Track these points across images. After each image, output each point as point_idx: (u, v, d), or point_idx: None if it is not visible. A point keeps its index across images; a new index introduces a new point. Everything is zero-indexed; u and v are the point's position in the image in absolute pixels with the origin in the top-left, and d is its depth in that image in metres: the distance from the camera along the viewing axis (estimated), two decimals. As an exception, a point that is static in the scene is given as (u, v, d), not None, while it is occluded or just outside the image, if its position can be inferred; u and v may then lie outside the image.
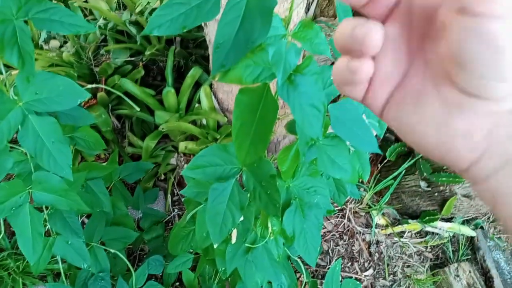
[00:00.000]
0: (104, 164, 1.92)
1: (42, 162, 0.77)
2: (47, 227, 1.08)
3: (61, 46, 2.03)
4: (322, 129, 0.69)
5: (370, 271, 2.03)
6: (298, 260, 1.28)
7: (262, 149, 0.60)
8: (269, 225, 0.88)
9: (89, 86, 0.81)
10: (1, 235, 1.03)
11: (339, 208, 2.14)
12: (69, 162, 0.77)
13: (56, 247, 1.12)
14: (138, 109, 0.96)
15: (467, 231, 2.08)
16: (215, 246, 0.75)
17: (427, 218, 2.03)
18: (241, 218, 0.75)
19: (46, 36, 2.04)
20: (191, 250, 1.33)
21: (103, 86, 0.90)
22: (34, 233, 0.96)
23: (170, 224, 1.94)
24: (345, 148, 0.92)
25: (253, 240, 0.97)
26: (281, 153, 0.80)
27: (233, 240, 0.85)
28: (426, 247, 2.11)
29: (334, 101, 1.41)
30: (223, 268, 1.06)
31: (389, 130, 2.49)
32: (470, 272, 1.91)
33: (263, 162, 0.74)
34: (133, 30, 2.04)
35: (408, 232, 2.11)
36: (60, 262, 1.19)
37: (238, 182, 0.74)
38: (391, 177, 2.06)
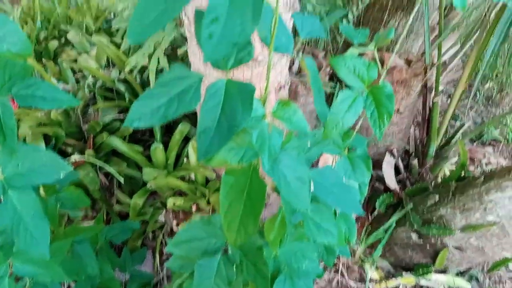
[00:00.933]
0: (92, 222, 1.87)
1: (18, 238, 0.74)
2: (29, 297, 1.04)
3: (50, 105, 2.04)
4: (309, 201, 0.69)
5: (366, 329, 1.96)
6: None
7: (252, 229, 0.59)
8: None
9: (74, 157, 0.81)
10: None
11: (332, 261, 2.09)
12: (47, 239, 0.75)
13: (38, 320, 1.07)
14: (122, 179, 0.95)
15: (462, 283, 2.04)
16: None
17: (420, 270, 1.99)
18: (228, 294, 0.73)
19: (35, 95, 2.06)
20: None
21: (87, 157, 0.89)
22: (12, 309, 0.92)
23: (159, 286, 1.87)
24: (330, 211, 0.92)
25: (241, 310, 0.93)
26: (267, 223, 0.79)
27: (222, 319, 0.81)
28: (422, 302, 2.06)
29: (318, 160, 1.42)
30: None
31: (377, 180, 2.49)
32: (468, 326, 1.86)
33: (249, 234, 0.73)
34: (122, 88, 2.08)
35: (403, 286, 2.06)
36: (41, 335, 1.13)
37: (224, 257, 0.73)
38: (382, 229, 2.04)
